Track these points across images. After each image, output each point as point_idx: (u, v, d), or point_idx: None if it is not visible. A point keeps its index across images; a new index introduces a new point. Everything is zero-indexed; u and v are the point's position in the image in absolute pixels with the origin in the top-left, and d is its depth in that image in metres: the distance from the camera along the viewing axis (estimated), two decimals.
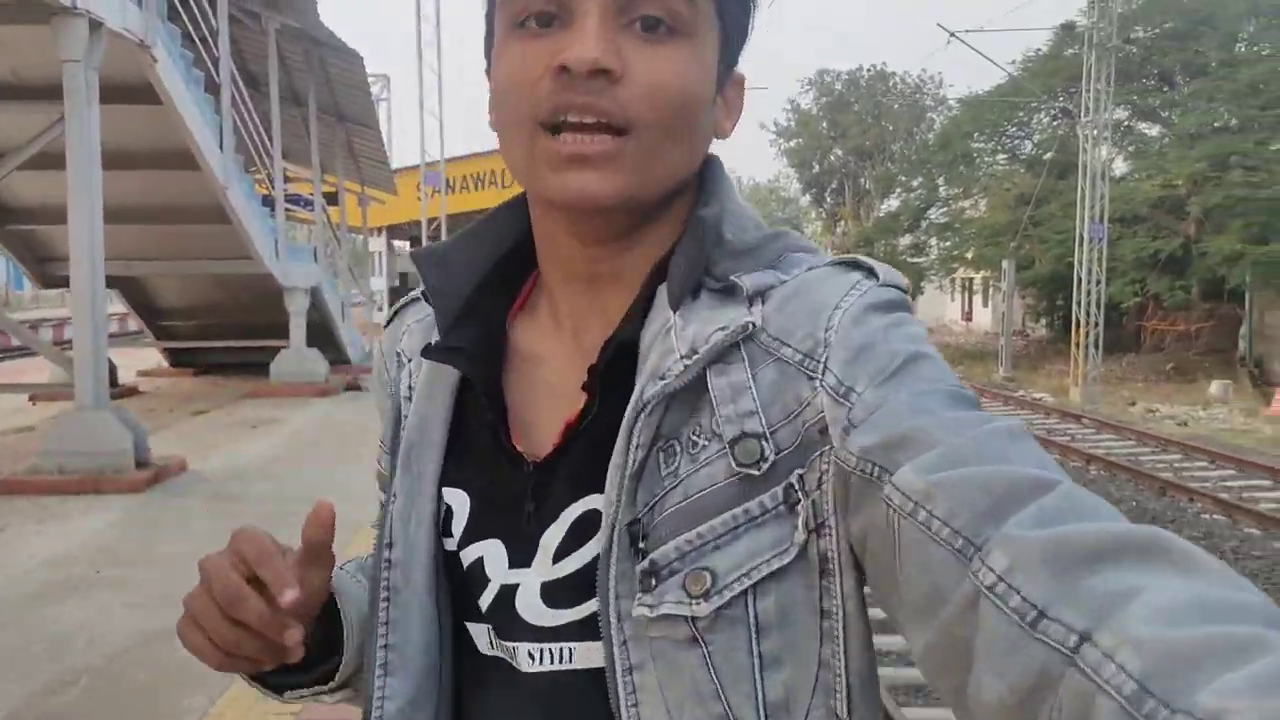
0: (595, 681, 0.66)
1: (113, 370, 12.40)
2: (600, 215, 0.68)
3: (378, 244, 31.29)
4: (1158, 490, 9.84)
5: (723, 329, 0.65)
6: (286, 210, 14.15)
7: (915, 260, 30.81)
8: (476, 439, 0.75)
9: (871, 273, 0.69)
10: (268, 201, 12.96)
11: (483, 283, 0.77)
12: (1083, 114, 19.07)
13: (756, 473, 0.63)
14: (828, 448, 0.63)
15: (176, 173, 10.72)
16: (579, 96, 0.64)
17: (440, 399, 0.75)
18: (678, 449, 0.65)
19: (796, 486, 0.63)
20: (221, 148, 10.60)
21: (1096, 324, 18.70)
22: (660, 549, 0.64)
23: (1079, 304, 18.91)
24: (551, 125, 0.65)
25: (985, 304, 36.18)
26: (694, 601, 0.63)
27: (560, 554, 0.69)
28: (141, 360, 16.12)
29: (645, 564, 0.64)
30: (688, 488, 0.64)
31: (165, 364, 16.03)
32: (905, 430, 0.59)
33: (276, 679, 0.75)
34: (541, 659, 0.69)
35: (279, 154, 13.17)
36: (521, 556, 0.70)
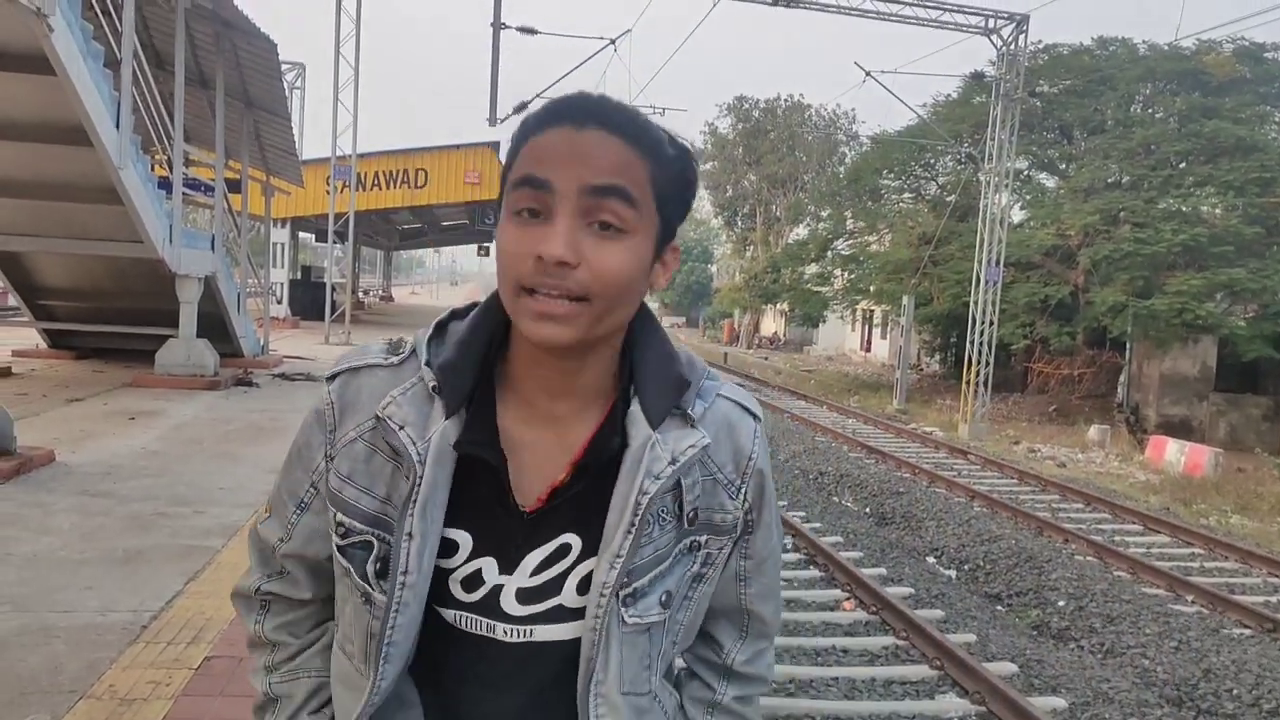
0: (553, 648, 1.04)
1: None
2: (558, 350, 0.97)
3: (281, 235, 30.42)
4: (1035, 529, 10.17)
5: (693, 446, 1.02)
6: (185, 195, 13.63)
7: (820, 289, 31.38)
8: (477, 493, 1.03)
9: (755, 416, 1.11)
10: (165, 184, 12.44)
11: (479, 368, 1.04)
12: (986, 161, 19.73)
13: (688, 528, 1.06)
14: (736, 534, 1.12)
15: (67, 148, 10.22)
16: (548, 279, 0.92)
17: (446, 467, 1.01)
18: (651, 520, 1.02)
19: (701, 543, 1.07)
20: (119, 126, 10.16)
21: (987, 363, 19.31)
22: (639, 581, 1.02)
23: (972, 343, 19.51)
24: (529, 289, 0.93)
25: (884, 336, 37.04)
26: (662, 610, 1.06)
27: (535, 571, 1.03)
28: (20, 338, 15.31)
29: (630, 590, 1.02)
30: (658, 545, 1.03)
31: (44, 345, 15.25)
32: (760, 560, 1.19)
33: None
34: (512, 635, 1.04)
35: (180, 136, 12.67)
36: (507, 568, 1.03)
